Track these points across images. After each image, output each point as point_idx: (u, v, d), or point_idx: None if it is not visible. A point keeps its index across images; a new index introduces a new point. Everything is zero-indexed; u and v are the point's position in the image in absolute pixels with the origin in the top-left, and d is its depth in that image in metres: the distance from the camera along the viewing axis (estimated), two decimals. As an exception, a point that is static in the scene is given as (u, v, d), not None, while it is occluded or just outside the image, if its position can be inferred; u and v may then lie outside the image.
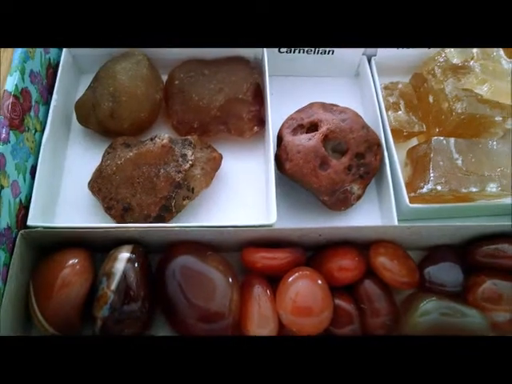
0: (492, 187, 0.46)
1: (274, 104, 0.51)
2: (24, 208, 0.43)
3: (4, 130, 0.40)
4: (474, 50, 0.52)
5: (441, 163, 0.46)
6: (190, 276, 0.42)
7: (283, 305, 0.42)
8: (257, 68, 0.53)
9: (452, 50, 0.52)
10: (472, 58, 0.51)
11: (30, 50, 0.45)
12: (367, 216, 0.50)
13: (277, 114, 0.51)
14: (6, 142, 0.40)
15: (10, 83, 0.42)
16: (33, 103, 0.45)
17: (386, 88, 0.54)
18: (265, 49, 0.53)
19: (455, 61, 0.51)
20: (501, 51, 0.53)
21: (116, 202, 0.45)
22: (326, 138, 0.46)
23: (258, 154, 0.51)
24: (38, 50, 0.47)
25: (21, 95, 0.43)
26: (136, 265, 0.41)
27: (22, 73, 0.43)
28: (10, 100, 0.41)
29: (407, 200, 0.47)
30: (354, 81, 0.58)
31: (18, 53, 0.44)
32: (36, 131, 0.46)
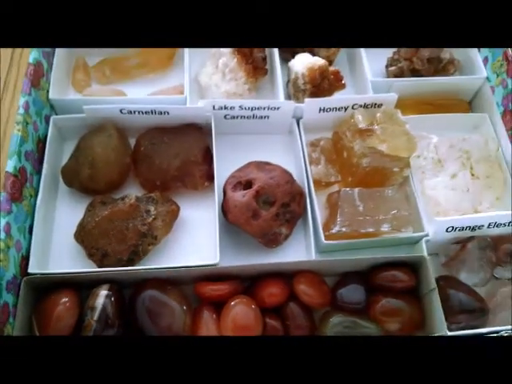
0: (385, 227, 0.60)
1: (220, 160, 0.64)
2: (25, 259, 0.56)
3: (8, 204, 0.53)
4: (378, 115, 0.65)
5: (346, 210, 0.60)
6: (154, 305, 0.55)
7: (225, 325, 0.55)
8: (207, 133, 0.66)
9: (360, 116, 0.65)
10: (376, 121, 0.65)
11: (25, 134, 0.58)
12: (295, 250, 0.63)
13: (223, 169, 0.64)
14: (10, 212, 0.53)
15: (10, 166, 0.54)
16: (28, 176, 0.58)
17: (311, 144, 0.67)
18: (212, 116, 0.66)
19: (361, 125, 0.64)
20: (399, 113, 0.66)
21: (96, 250, 0.58)
22: (257, 194, 0.60)
23: (209, 204, 0.63)
24: (30, 132, 0.60)
25: (19, 173, 0.56)
26: (112, 299, 0.54)
27: (19, 155, 0.56)
28: (11, 179, 0.54)
29: (323, 238, 0.60)
30: (288, 138, 0.70)
31: (14, 140, 0.56)
32: (31, 197, 0.59)
